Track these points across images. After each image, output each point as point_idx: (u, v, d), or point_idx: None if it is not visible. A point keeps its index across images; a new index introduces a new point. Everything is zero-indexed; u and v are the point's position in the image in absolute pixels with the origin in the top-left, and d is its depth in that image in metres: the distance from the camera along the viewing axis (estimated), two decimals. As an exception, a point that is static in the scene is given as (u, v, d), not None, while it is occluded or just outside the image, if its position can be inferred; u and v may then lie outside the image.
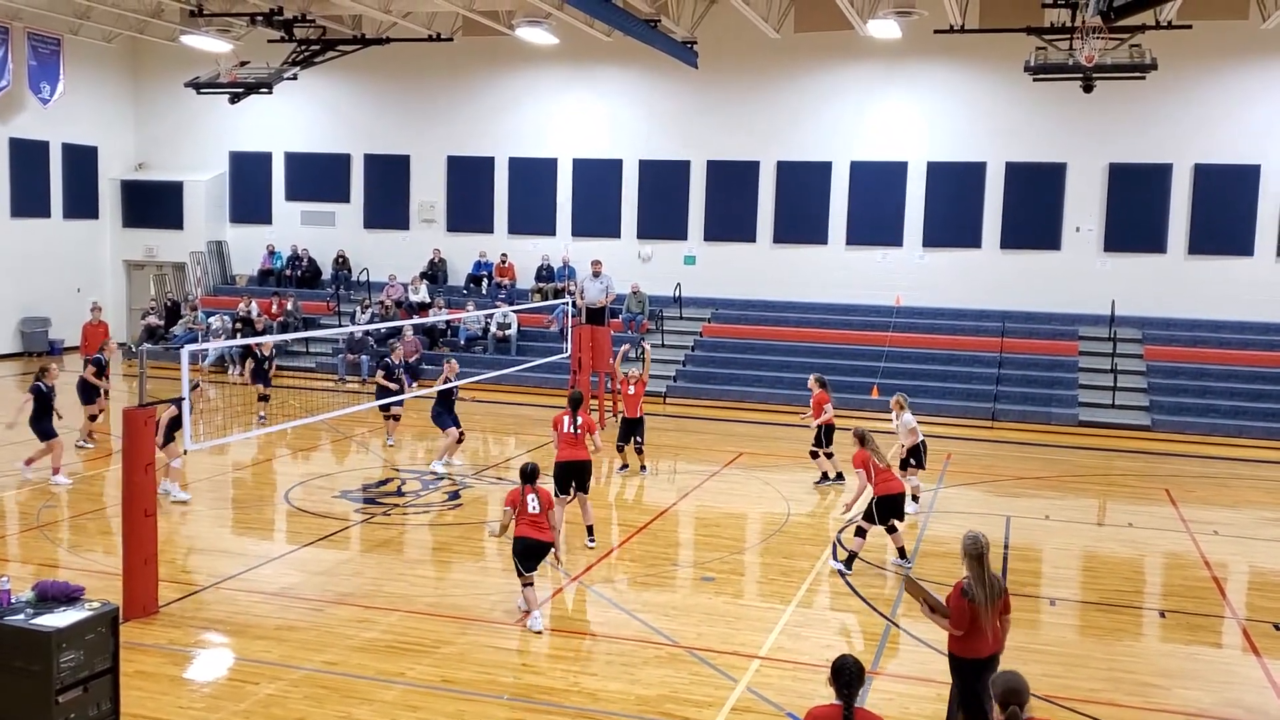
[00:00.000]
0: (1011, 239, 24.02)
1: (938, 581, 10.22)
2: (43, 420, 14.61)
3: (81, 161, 28.48)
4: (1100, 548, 13.06)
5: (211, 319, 26.13)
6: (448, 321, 25.31)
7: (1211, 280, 22.95)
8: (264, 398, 19.86)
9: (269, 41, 23.77)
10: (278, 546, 12.17)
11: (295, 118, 28.39)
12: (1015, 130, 23.79)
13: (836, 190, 24.95)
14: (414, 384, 20.11)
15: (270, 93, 24.79)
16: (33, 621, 6.74)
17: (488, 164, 27.29)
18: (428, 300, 25.84)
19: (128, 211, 29.40)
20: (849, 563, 11.46)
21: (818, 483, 15.55)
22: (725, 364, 23.78)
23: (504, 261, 26.88)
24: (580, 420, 12.22)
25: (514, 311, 24.75)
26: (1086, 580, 11.93)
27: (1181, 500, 15.48)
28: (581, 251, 25.79)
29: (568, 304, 21.45)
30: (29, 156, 26.97)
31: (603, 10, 18.32)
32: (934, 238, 24.45)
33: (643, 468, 16.11)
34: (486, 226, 27.46)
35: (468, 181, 27.48)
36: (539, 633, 9.55)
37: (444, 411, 16.10)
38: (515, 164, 27.08)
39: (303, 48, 23.63)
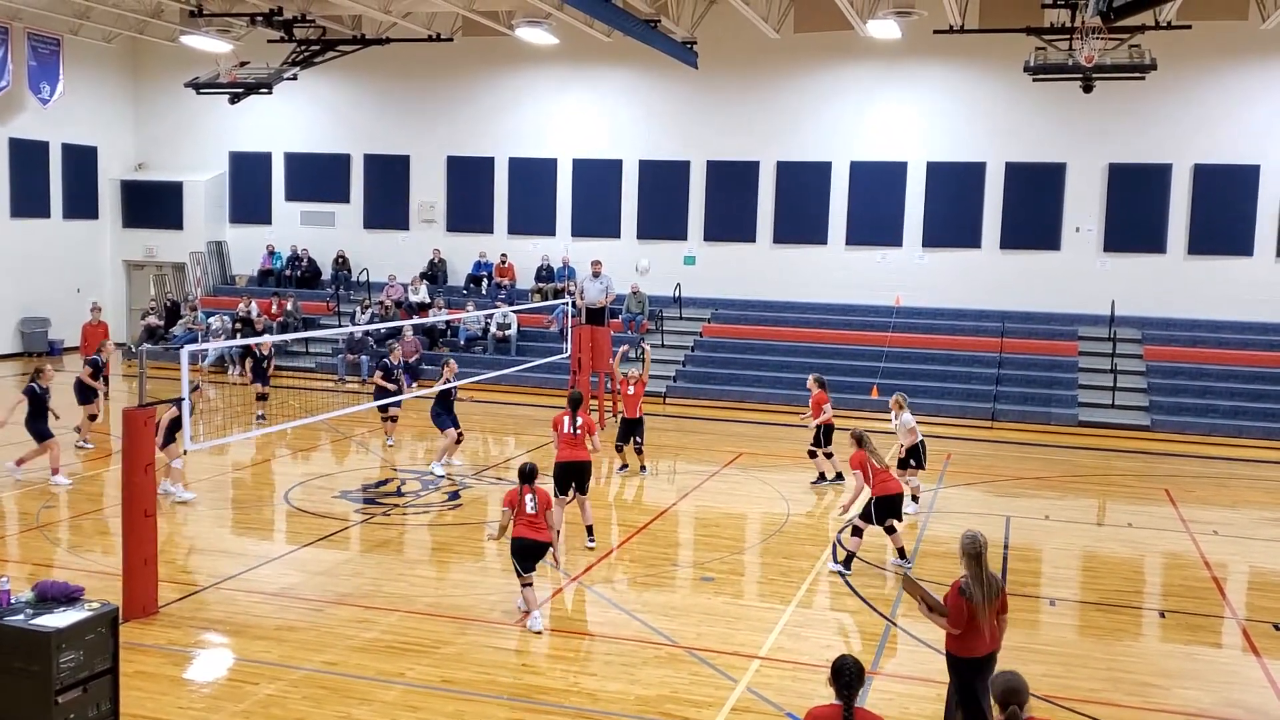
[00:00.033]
0: (1011, 239, 24.03)
1: (937, 582, 10.21)
2: (38, 421, 14.57)
3: (81, 161, 28.48)
4: (1100, 548, 13.06)
5: (211, 319, 26.13)
6: (447, 322, 25.31)
7: (1211, 280, 22.96)
8: (263, 396, 19.88)
9: (269, 42, 23.77)
10: (277, 547, 12.17)
11: (295, 118, 28.39)
12: (1015, 130, 23.80)
13: (836, 190, 24.95)
14: (414, 384, 20.12)
15: (270, 93, 24.80)
16: (32, 622, 6.74)
17: (488, 164, 27.30)
18: (427, 300, 25.84)
19: (127, 212, 29.41)
20: (847, 563, 11.46)
21: (814, 483, 15.56)
22: (725, 364, 23.78)
23: (504, 262, 26.89)
24: (580, 421, 12.21)
25: (514, 312, 24.75)
26: (1086, 580, 11.93)
27: (1181, 500, 15.48)
28: (581, 252, 25.80)
29: (567, 304, 21.45)
30: (29, 157, 26.98)
31: (602, 10, 18.32)
32: (934, 238, 24.46)
33: (642, 468, 16.11)
34: (486, 227, 27.46)
35: (468, 181, 27.48)
36: (538, 633, 9.55)
37: (443, 412, 16.09)
38: (515, 164, 27.09)
39: (303, 48, 23.64)
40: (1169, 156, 23.03)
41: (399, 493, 14.75)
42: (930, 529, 13.40)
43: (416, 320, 24.02)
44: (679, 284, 25.63)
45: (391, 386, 17.09)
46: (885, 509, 11.38)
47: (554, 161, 26.81)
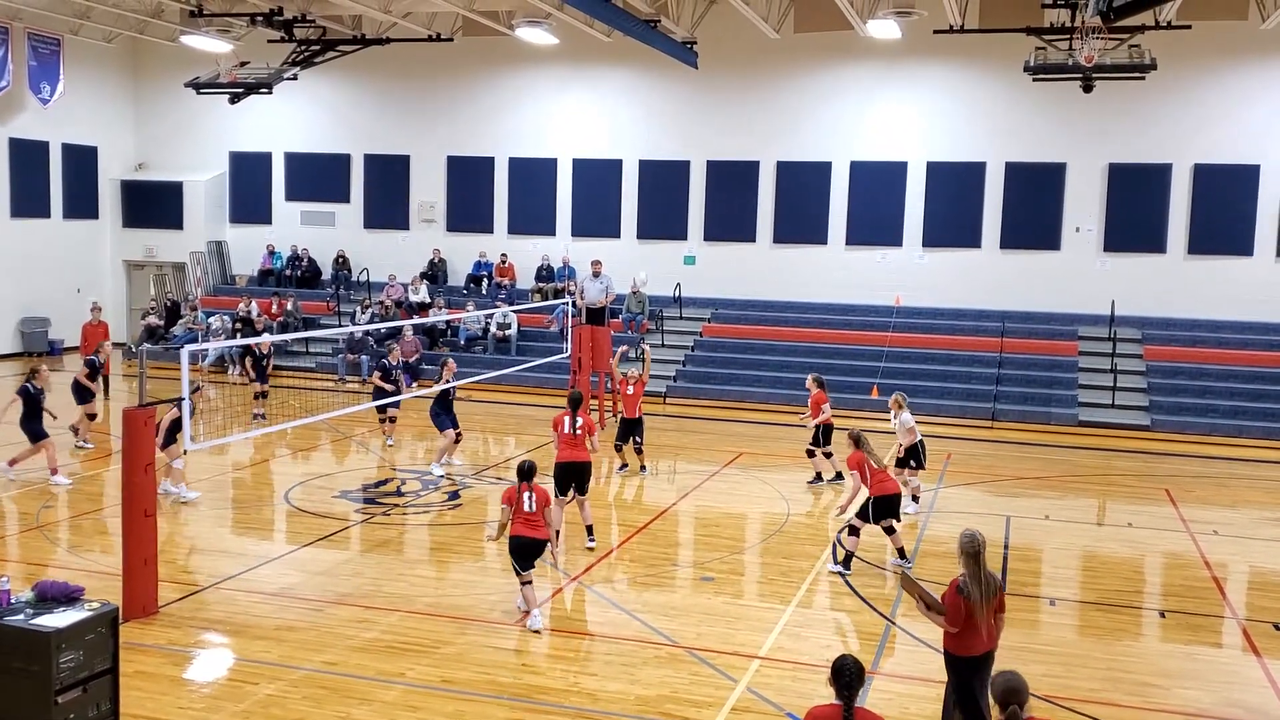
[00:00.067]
0: (1011, 239, 24.03)
1: (937, 582, 10.21)
2: (32, 421, 14.53)
3: (81, 161, 28.48)
4: (1100, 548, 13.07)
5: (211, 319, 26.13)
6: (448, 322, 25.31)
7: (1211, 280, 22.96)
8: (262, 395, 19.90)
9: (269, 41, 23.77)
10: (277, 547, 12.17)
11: (295, 118, 28.39)
12: (1015, 130, 23.80)
13: (836, 190, 24.96)
14: (414, 384, 20.13)
15: (270, 93, 24.80)
16: (32, 622, 6.74)
17: (488, 164, 27.30)
18: (428, 300, 25.84)
19: (128, 211, 29.41)
20: (847, 563, 11.47)
21: (810, 482, 15.56)
22: (725, 364, 23.78)
23: (504, 261, 26.89)
24: (581, 421, 12.22)
25: (514, 311, 24.75)
26: (1086, 580, 11.93)
27: (1181, 500, 15.48)
28: (581, 251, 25.80)
29: (567, 304, 21.45)
30: (29, 156, 26.98)
31: (602, 10, 18.32)
32: (934, 238, 24.46)
33: (642, 468, 16.11)
34: (486, 226, 27.46)
35: (468, 181, 27.48)
36: (538, 632, 9.55)
37: (442, 412, 16.09)
38: (515, 164, 27.09)
39: (303, 48, 23.64)
40: (1169, 156, 23.03)
41: (399, 493, 14.75)
42: (930, 529, 13.40)
43: (416, 320, 24.02)
44: (679, 284, 25.63)
45: (389, 387, 17.09)
46: (882, 509, 11.39)
47: (554, 161, 26.81)
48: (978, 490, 15.93)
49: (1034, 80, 20.47)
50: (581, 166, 26.63)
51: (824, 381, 15.68)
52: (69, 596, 7.05)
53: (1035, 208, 23.82)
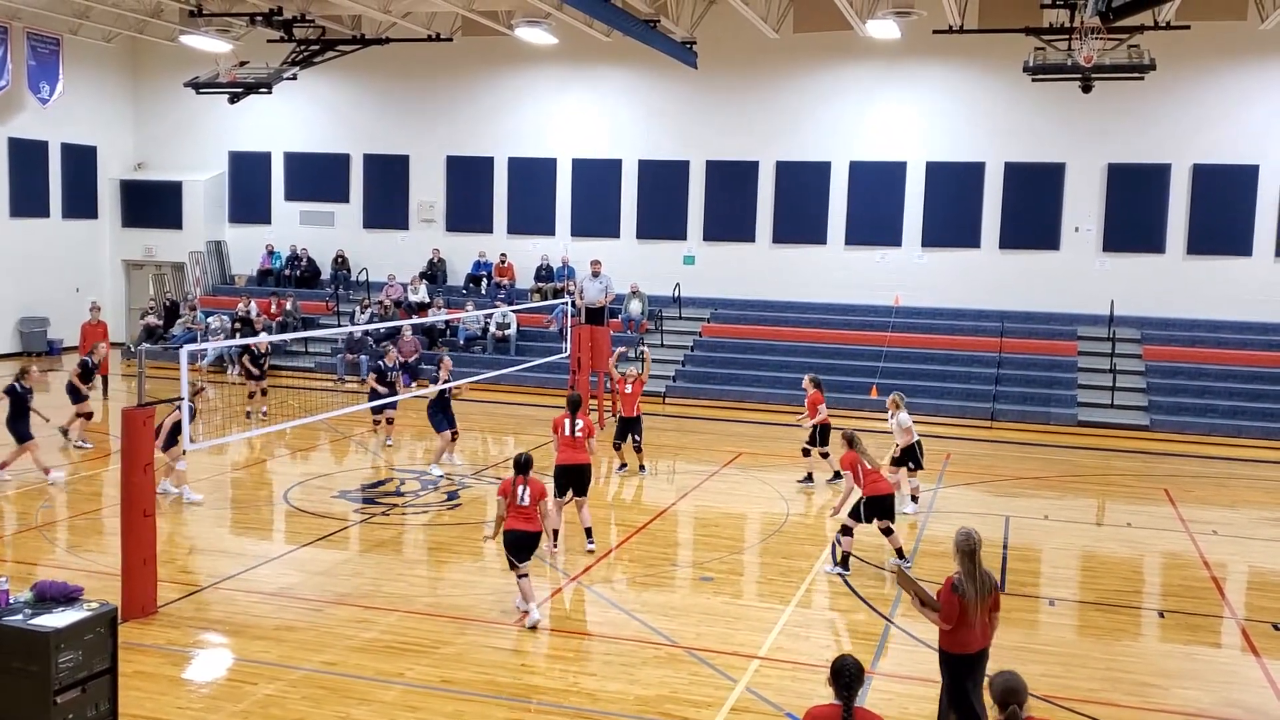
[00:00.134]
0: (1010, 239, 24.04)
1: (936, 582, 10.21)
2: (18, 422, 14.45)
3: (81, 161, 28.48)
4: (1099, 548, 13.07)
5: (210, 319, 26.12)
6: (447, 321, 25.31)
7: (1210, 280, 22.96)
8: (261, 392, 19.93)
9: (268, 41, 23.76)
10: (276, 546, 12.17)
11: (294, 118, 28.39)
12: (1014, 130, 23.80)
13: (835, 190, 24.96)
14: (413, 384, 20.13)
15: (269, 93, 24.79)
16: (31, 622, 6.74)
17: (487, 164, 27.30)
18: (427, 300, 25.83)
19: (127, 211, 29.41)
20: (845, 563, 11.47)
21: (801, 481, 15.57)
22: (724, 364, 23.78)
23: (503, 261, 26.89)
24: (580, 423, 12.22)
25: (513, 311, 24.75)
26: (1085, 580, 11.93)
27: (1180, 500, 15.49)
28: (581, 251, 25.79)
29: (567, 304, 21.45)
30: (28, 156, 26.97)
31: (602, 10, 18.32)
32: (933, 238, 24.46)
33: (642, 468, 16.12)
34: (486, 226, 27.46)
35: (467, 181, 27.48)
36: (534, 629, 9.57)
37: (439, 412, 16.08)
38: (515, 164, 27.09)
39: (302, 48, 23.63)
40: (1168, 156, 23.04)
41: (398, 493, 14.75)
42: (930, 529, 13.40)
43: (416, 320, 24.01)
44: (678, 284, 25.63)
45: (383, 389, 17.07)
46: (875, 509, 11.40)
47: (554, 161, 26.81)
48: (977, 490, 15.93)
49: (1033, 80, 20.48)
50: (581, 166, 26.63)
51: (821, 382, 15.70)
52: (68, 596, 7.04)
53: (1035, 208, 23.83)
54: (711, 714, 8.06)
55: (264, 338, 19.83)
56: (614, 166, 26.39)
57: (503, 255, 26.93)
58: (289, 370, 24.79)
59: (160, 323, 26.89)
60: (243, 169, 29.11)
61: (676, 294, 25.54)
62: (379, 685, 8.40)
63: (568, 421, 12.23)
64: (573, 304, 21.54)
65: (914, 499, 14.12)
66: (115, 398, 21.17)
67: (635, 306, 18.59)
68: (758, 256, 25.58)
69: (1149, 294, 23.21)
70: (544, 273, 26.26)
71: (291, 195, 28.84)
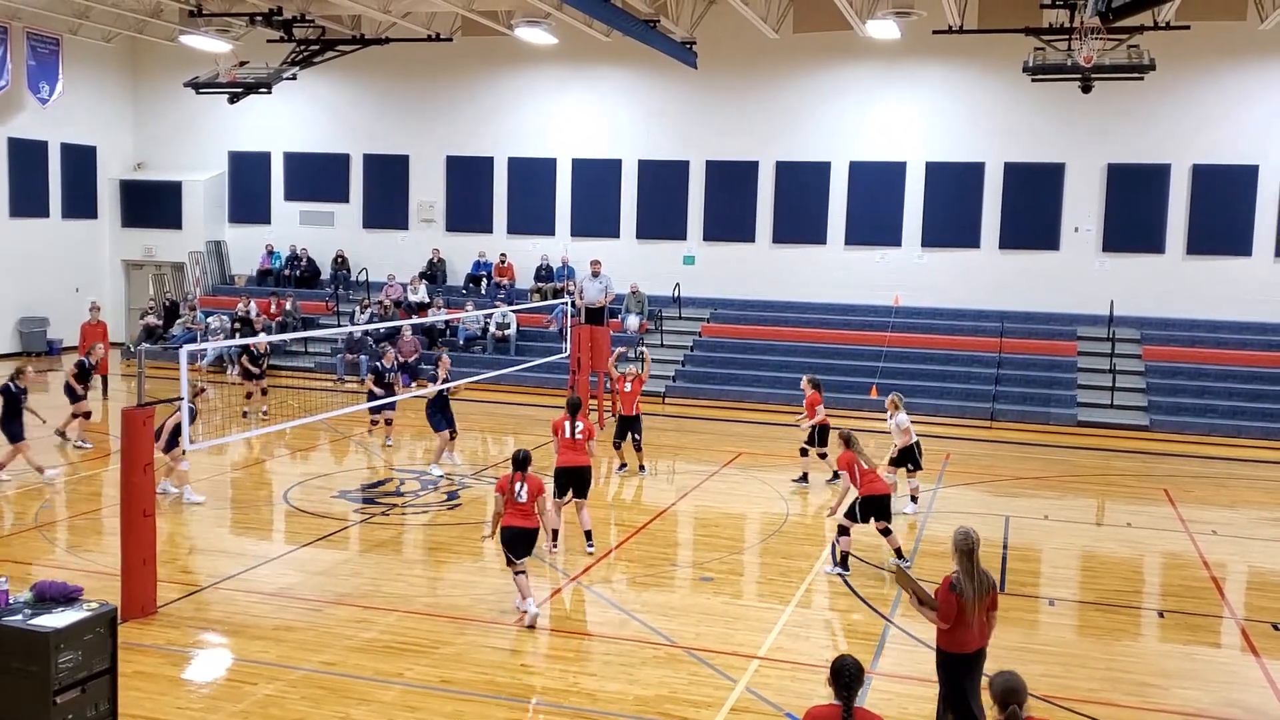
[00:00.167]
0: (1010, 239, 24.04)
1: (935, 582, 10.21)
2: (11, 422, 14.42)
3: (80, 161, 28.47)
4: (1099, 548, 13.07)
5: (210, 319, 26.12)
6: (446, 321, 25.31)
7: (1210, 280, 22.97)
8: (262, 391, 19.91)
9: (268, 41, 23.76)
10: (276, 547, 12.17)
11: (294, 118, 28.39)
12: (1014, 131, 23.80)
13: (835, 190, 24.96)
14: (413, 384, 20.14)
15: (269, 93, 24.79)
16: (31, 622, 6.74)
17: (487, 164, 27.30)
18: (427, 300, 25.83)
19: (127, 211, 29.40)
20: (844, 563, 11.47)
21: (795, 480, 15.57)
22: (724, 364, 23.78)
23: (503, 261, 26.89)
24: (581, 426, 12.23)
25: (513, 311, 24.75)
26: (1085, 580, 11.93)
27: (1180, 500, 15.49)
28: (581, 251, 25.79)
29: (567, 304, 21.45)
30: (28, 156, 26.97)
31: (602, 10, 18.32)
32: (933, 238, 24.46)
33: (641, 467, 16.12)
34: (486, 226, 27.46)
35: (467, 181, 27.48)
36: (534, 619, 9.61)
37: (437, 411, 16.08)
38: (514, 164, 27.09)
39: (302, 48, 23.63)
40: (1168, 157, 23.04)
41: (398, 493, 14.74)
42: (929, 529, 13.40)
43: (416, 320, 24.01)
44: (678, 284, 25.63)
45: (379, 391, 17.06)
46: (871, 509, 11.40)
47: (553, 161, 26.81)
48: (977, 490, 15.93)
49: (1033, 80, 20.48)
50: (581, 166, 26.63)
51: (819, 383, 15.72)
52: (67, 596, 7.04)
53: (1034, 208, 23.83)
54: (711, 714, 8.06)
55: (263, 338, 19.82)
56: (614, 166, 26.39)
57: (503, 255, 26.93)
58: (289, 370, 24.78)
59: (160, 323, 26.89)
60: (242, 169, 29.11)
61: (676, 294, 25.54)
62: (378, 685, 8.40)
63: (567, 424, 12.23)
64: (572, 304, 21.55)
65: (914, 499, 14.12)
66: (115, 398, 21.18)
67: (633, 321, 18.25)
68: (757, 256, 25.58)
69: (1149, 294, 23.21)
70: (544, 273, 26.26)
71: (291, 195, 28.84)
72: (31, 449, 14.64)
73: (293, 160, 28.72)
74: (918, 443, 14.03)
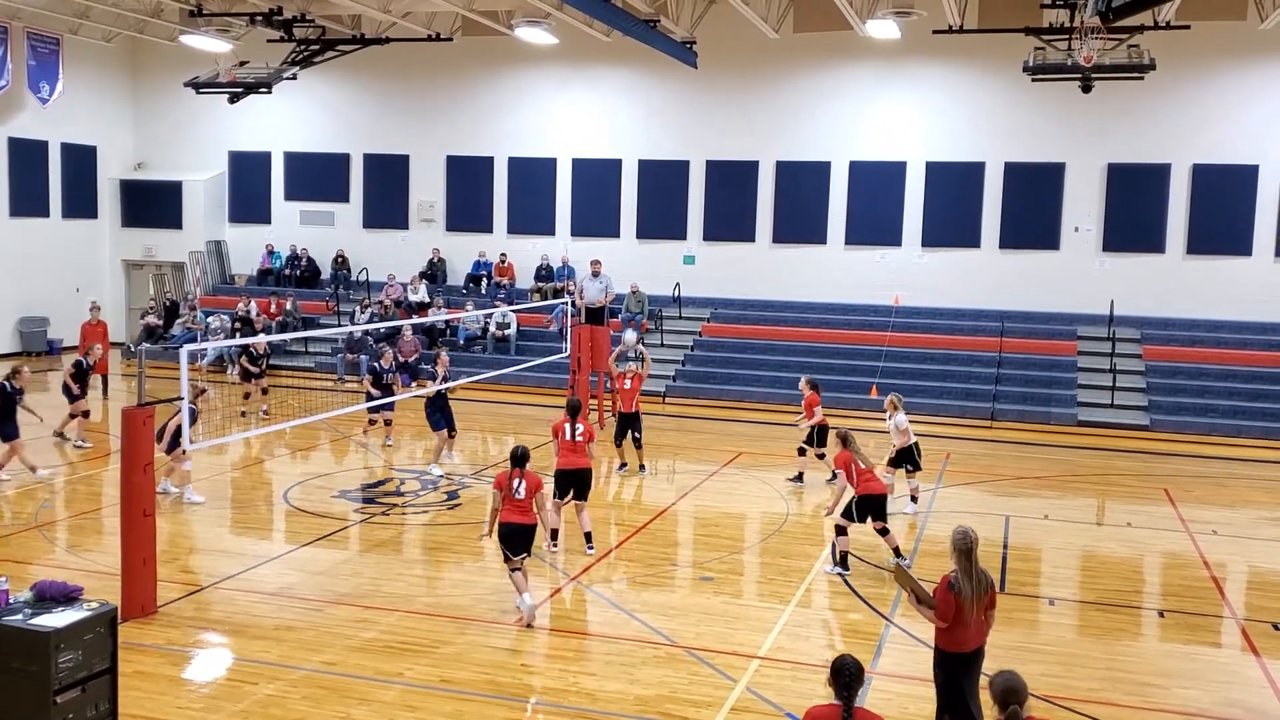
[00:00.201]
0: (1010, 239, 24.04)
1: (935, 582, 10.21)
2: (5, 422, 14.42)
3: (80, 161, 28.48)
4: (1099, 547, 13.07)
5: (210, 319, 26.12)
6: (447, 321, 25.31)
7: (1210, 280, 22.97)
8: (262, 391, 19.88)
9: (268, 41, 23.76)
10: (276, 546, 12.17)
11: (294, 118, 28.39)
12: (1014, 130, 23.81)
13: (835, 190, 24.96)
14: (413, 383, 20.13)
15: (269, 93, 24.79)
16: (31, 622, 6.73)
17: (487, 164, 27.30)
18: (427, 300, 25.83)
19: (127, 211, 29.41)
20: (844, 562, 11.47)
21: (790, 479, 15.57)
22: (724, 364, 23.78)
23: (503, 261, 26.89)
24: (581, 428, 12.23)
25: (513, 311, 24.75)
26: (1085, 580, 11.93)
27: (1180, 500, 15.49)
28: (581, 251, 25.79)
29: (567, 304, 21.45)
30: (28, 156, 26.97)
31: (602, 10, 18.32)
32: (933, 238, 24.47)
33: (641, 467, 16.12)
34: (486, 226, 27.46)
35: (467, 181, 27.49)
36: (533, 614, 9.61)
37: (436, 410, 16.08)
38: (514, 164, 27.09)
39: (302, 48, 23.63)
40: (1168, 156, 23.04)
41: (398, 492, 14.75)
42: (929, 529, 13.40)
43: (416, 320, 24.01)
44: (678, 283, 25.64)
45: (376, 392, 17.05)
46: (867, 508, 11.41)
47: (553, 161, 26.82)
48: (977, 490, 15.93)
49: (1033, 80, 20.48)
50: (581, 166, 26.63)
51: (817, 383, 15.74)
52: (67, 596, 7.04)
53: (1034, 208, 23.83)
54: (711, 714, 8.06)
55: (263, 338, 19.82)
56: (614, 166, 26.39)
57: (503, 255, 26.93)
58: (289, 370, 24.79)
59: (160, 322, 26.89)
60: (243, 169, 29.11)
61: (676, 294, 25.54)
62: (379, 685, 8.40)
63: (568, 426, 12.23)
64: (573, 304, 21.54)
65: (914, 499, 14.12)
66: (115, 397, 21.18)
67: (630, 336, 18.18)
68: (758, 256, 25.58)
69: (1149, 294, 23.21)
70: (544, 272, 26.26)
71: (291, 195, 28.84)
72: (25, 449, 14.63)
73: (293, 160, 28.73)
74: (916, 444, 14.04)
